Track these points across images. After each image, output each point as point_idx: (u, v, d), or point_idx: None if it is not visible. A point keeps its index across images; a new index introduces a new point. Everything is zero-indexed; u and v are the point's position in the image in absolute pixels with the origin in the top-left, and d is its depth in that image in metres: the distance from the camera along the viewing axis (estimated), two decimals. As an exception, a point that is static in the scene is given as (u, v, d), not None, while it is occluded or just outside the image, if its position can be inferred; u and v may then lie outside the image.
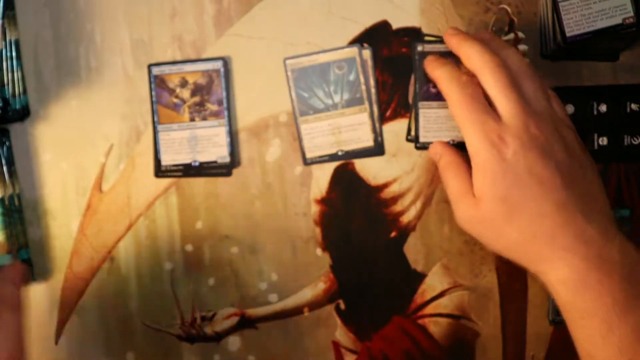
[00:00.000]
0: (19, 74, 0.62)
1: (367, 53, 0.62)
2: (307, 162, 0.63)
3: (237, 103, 0.63)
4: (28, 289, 0.64)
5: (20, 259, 0.62)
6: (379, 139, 0.62)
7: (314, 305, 0.64)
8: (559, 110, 0.51)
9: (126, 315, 0.64)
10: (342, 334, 0.63)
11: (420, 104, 0.61)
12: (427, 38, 0.61)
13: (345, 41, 0.62)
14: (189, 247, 0.64)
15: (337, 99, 0.62)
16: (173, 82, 0.63)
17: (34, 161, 0.64)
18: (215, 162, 0.63)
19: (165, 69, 0.63)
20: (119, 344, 0.64)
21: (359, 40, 0.62)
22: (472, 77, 0.50)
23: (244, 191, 0.63)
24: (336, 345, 0.64)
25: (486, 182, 0.46)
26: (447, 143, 0.56)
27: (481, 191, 0.47)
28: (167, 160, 0.63)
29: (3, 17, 0.60)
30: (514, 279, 0.62)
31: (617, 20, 0.55)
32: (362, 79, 0.62)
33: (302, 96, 0.62)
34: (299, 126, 0.62)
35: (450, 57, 0.54)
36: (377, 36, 0.62)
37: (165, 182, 0.63)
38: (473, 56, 0.49)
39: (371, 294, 0.63)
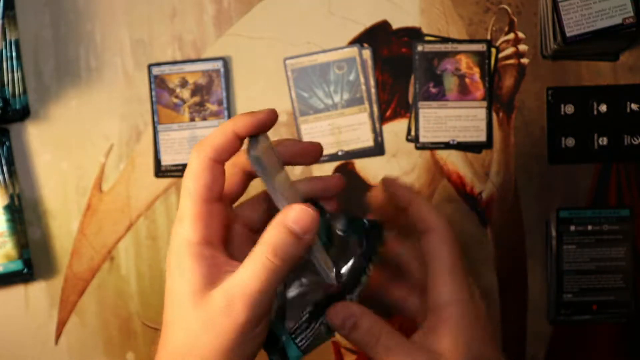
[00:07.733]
0: (19, 74, 0.62)
1: (367, 53, 0.62)
2: (307, 162, 0.63)
3: (237, 103, 0.63)
4: (28, 288, 0.64)
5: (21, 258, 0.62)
6: (379, 139, 0.62)
7: (314, 305, 0.63)
8: None
9: (126, 315, 0.64)
10: (342, 334, 0.63)
11: (420, 104, 0.61)
12: (427, 38, 0.61)
13: (345, 41, 0.62)
14: (189, 247, 0.64)
15: (337, 99, 0.62)
16: (173, 82, 0.63)
17: (34, 161, 0.64)
18: (215, 162, 0.63)
19: (165, 69, 0.63)
20: (119, 344, 0.64)
21: (359, 40, 0.62)
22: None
23: (244, 191, 0.63)
24: (336, 345, 0.63)
25: (463, 339, 0.39)
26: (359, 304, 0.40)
27: (458, 349, 0.38)
28: (167, 160, 0.63)
29: (3, 17, 0.60)
30: (514, 279, 0.62)
31: (617, 20, 0.55)
32: (362, 79, 0.62)
33: (302, 96, 0.62)
34: (299, 126, 0.62)
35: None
36: (377, 36, 0.62)
37: (165, 182, 0.63)
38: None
39: (371, 294, 0.63)
